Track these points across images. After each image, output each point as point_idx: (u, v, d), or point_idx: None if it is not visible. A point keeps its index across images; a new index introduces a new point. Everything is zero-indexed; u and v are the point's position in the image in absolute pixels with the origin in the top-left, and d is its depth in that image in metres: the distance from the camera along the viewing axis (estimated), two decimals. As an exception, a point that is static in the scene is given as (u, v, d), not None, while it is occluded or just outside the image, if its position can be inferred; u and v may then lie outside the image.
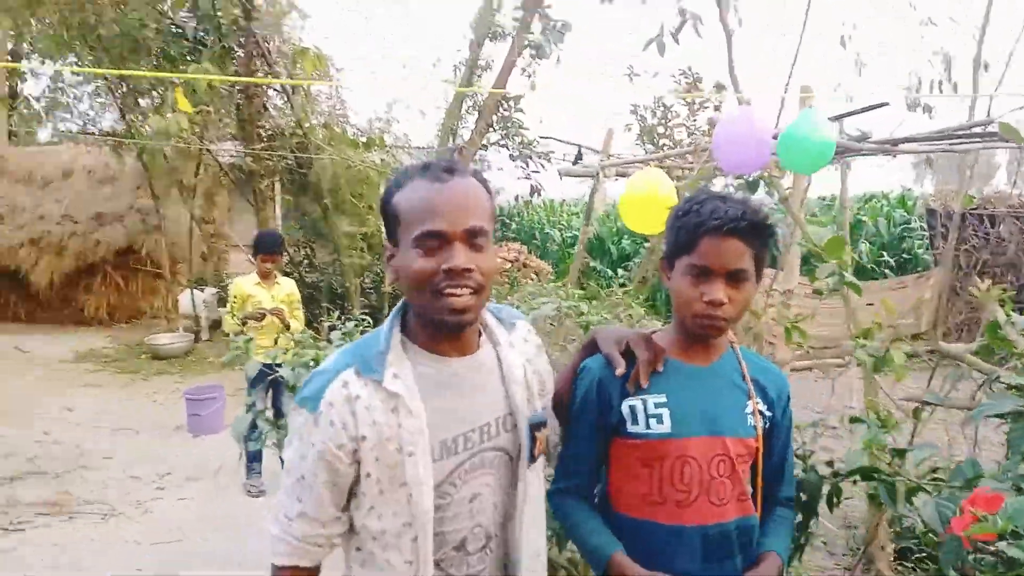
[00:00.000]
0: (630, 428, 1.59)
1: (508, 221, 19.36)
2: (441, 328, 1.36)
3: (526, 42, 8.05)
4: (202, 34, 8.64)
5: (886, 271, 12.84)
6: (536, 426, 1.49)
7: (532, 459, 1.48)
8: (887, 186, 17.40)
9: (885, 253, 13.13)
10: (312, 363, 2.43)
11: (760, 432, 1.59)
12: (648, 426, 1.57)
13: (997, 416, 1.60)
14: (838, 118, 4.69)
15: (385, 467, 1.33)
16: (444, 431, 1.37)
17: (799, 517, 1.92)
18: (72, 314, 11.80)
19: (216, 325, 10.52)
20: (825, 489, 1.93)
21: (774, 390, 1.64)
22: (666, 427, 1.56)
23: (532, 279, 11.77)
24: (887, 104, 4.27)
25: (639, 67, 11.40)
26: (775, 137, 3.35)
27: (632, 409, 1.59)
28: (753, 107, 2.74)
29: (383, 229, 1.42)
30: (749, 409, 1.60)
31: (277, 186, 11.38)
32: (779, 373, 1.69)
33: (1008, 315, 1.96)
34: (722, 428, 1.56)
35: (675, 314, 1.64)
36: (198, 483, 5.43)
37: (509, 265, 14.04)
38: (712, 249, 1.52)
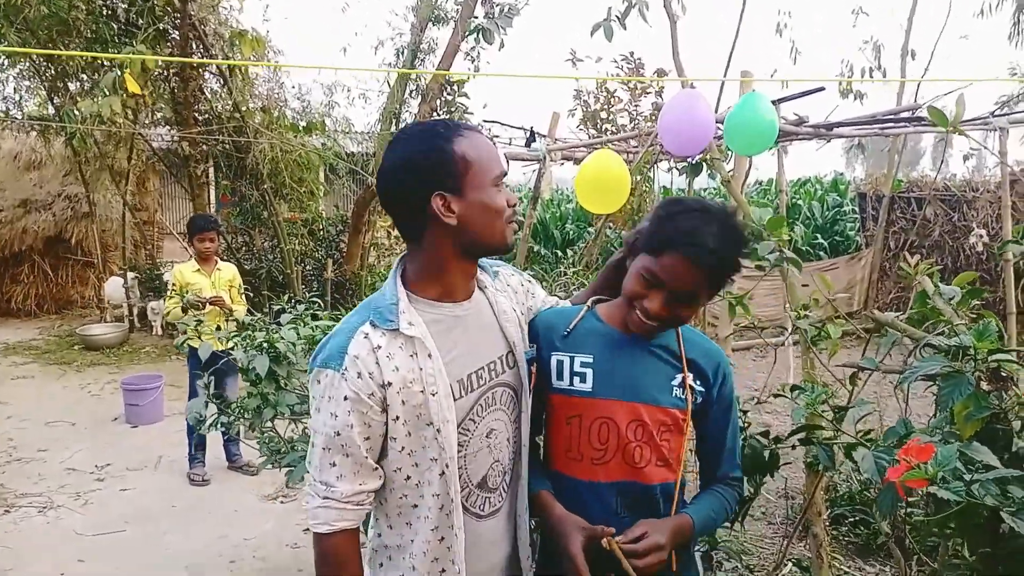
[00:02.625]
0: (555, 382, 1.66)
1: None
2: (500, 250, 1.52)
3: (474, 26, 8.01)
4: (135, 16, 8.36)
5: (820, 252, 13.28)
6: (529, 362, 1.64)
7: (530, 393, 1.64)
8: (820, 171, 17.95)
9: (819, 235, 13.57)
10: (265, 345, 2.41)
11: (690, 405, 1.62)
12: (571, 383, 1.63)
13: (927, 379, 1.70)
14: (778, 102, 4.83)
15: (411, 408, 1.42)
16: (459, 370, 1.48)
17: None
18: (-2, 305, 11.35)
19: (143, 314, 10.24)
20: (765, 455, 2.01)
21: (710, 367, 1.65)
22: (588, 386, 1.61)
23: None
24: (823, 89, 4.42)
25: (582, 52, 11.48)
26: (718, 121, 3.45)
27: (559, 364, 1.65)
28: (697, 91, 2.81)
29: (395, 193, 1.47)
30: (677, 382, 1.63)
31: (211, 172, 11.12)
32: (717, 351, 1.70)
33: (936, 286, 2.07)
34: (641, 396, 1.59)
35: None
36: (139, 473, 5.32)
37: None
38: (672, 268, 1.52)
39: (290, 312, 3.25)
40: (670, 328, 1.63)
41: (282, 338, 2.41)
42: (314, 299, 3.36)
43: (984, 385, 1.60)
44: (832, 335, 2.65)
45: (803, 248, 13.25)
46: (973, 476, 1.23)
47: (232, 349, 2.94)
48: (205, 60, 8.98)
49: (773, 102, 4.88)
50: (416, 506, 1.50)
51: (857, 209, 12.38)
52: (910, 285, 2.45)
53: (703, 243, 1.49)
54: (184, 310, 4.92)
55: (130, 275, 10.20)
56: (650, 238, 1.57)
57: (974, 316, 2.03)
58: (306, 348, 2.57)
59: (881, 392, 4.06)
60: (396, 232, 13.76)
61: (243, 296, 5.32)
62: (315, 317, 3.28)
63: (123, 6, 8.42)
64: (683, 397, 1.62)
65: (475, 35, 8.03)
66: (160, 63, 8.48)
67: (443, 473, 1.46)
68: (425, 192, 1.41)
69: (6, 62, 9.72)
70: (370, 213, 10.29)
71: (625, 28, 4.05)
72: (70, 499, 4.85)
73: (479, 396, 1.53)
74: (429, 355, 1.43)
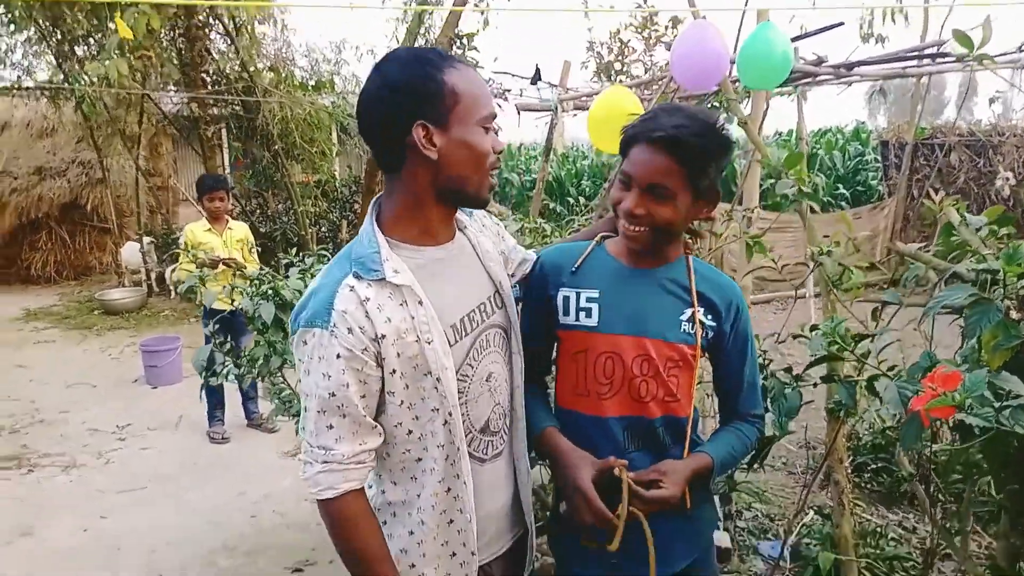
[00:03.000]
0: (561, 319, 1.63)
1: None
2: (479, 202, 1.43)
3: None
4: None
5: (842, 203, 13.04)
6: (516, 300, 1.60)
7: (518, 331, 1.59)
8: (842, 120, 17.56)
9: (840, 185, 13.32)
10: (271, 293, 2.37)
11: (699, 340, 1.57)
12: (577, 318, 1.61)
13: (953, 311, 1.62)
14: (796, 39, 4.67)
15: (407, 359, 1.35)
16: (451, 315, 1.42)
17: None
18: (18, 272, 11.43)
19: (160, 278, 10.26)
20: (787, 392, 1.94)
21: (722, 301, 1.61)
22: (593, 321, 1.59)
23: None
24: (843, 24, 4.25)
25: (595, 3, 11.23)
26: (732, 61, 3.32)
27: (565, 300, 1.63)
28: (709, 22, 2.69)
29: (379, 134, 1.37)
30: (686, 317, 1.58)
31: (224, 134, 11.05)
32: (730, 284, 1.65)
33: (962, 216, 1.97)
34: (647, 330, 1.56)
35: None
36: (159, 433, 5.36)
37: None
38: (637, 158, 1.51)
39: (299, 265, 3.21)
40: (662, 236, 1.56)
41: (288, 286, 2.37)
42: (323, 252, 3.31)
43: (1014, 313, 1.52)
44: (854, 277, 2.57)
45: (824, 199, 13.01)
46: (1003, 403, 1.16)
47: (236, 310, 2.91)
48: (213, 1, 8.86)
49: (796, 38, 4.72)
50: (420, 459, 1.44)
51: (879, 158, 12.10)
52: (934, 231, 2.35)
53: (660, 125, 1.47)
54: (199, 268, 4.91)
55: (146, 240, 10.22)
56: (621, 143, 1.57)
57: (1002, 247, 1.94)
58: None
59: (906, 336, 3.97)
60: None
61: (255, 255, 5.29)
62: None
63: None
64: (692, 332, 1.57)
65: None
66: (166, 24, 8.36)
67: (446, 422, 1.40)
68: (408, 119, 1.32)
69: (14, 27, 9.65)
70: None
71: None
72: (92, 458, 4.90)
73: (474, 339, 1.47)
74: (420, 302, 1.36)
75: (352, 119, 10.57)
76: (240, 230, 5.24)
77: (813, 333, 2.31)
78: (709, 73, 2.59)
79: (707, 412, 3.23)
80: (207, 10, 8.96)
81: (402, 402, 1.39)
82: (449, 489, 1.44)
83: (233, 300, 3.32)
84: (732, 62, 3.27)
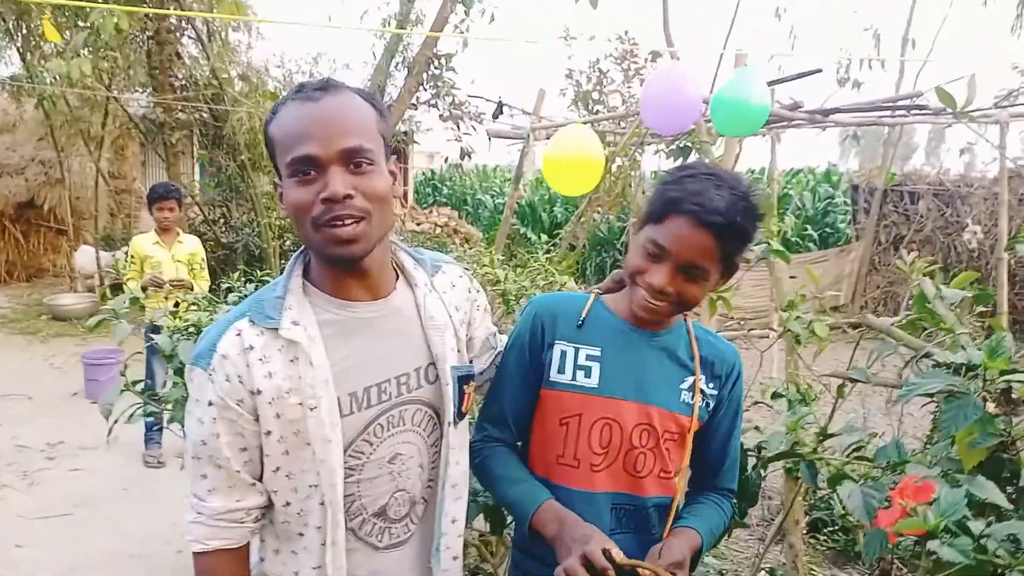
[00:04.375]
0: (554, 376, 1.46)
1: (439, 185, 19.03)
2: (334, 263, 1.22)
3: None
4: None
5: (810, 244, 13.10)
6: (464, 379, 1.36)
7: (460, 416, 1.35)
8: (814, 162, 17.76)
9: (809, 227, 13.39)
10: (192, 329, 2.17)
11: (696, 412, 1.44)
12: (573, 377, 1.44)
13: (925, 395, 1.49)
14: (773, 84, 4.60)
15: (287, 423, 1.20)
16: (353, 382, 1.24)
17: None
18: (-33, 271, 11.03)
19: (117, 287, 9.93)
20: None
21: (723, 366, 1.49)
22: (593, 382, 1.43)
23: (462, 246, 11.55)
24: (820, 71, 4.20)
25: (575, 30, 11.21)
26: (706, 101, 3.21)
27: (562, 355, 1.46)
28: (681, 64, 2.57)
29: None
30: (686, 385, 1.45)
31: (194, 140, 10.80)
32: (730, 348, 1.53)
33: (938, 288, 1.86)
34: (651, 397, 1.42)
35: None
36: (92, 453, 5.08)
37: (439, 230, 13.78)
38: (677, 232, 1.32)
39: (238, 291, 3.02)
40: (678, 311, 1.42)
41: (212, 320, 2.17)
42: (265, 279, 3.12)
43: (991, 408, 1.39)
44: (819, 333, 2.46)
45: (793, 239, 13.05)
46: (983, 530, 1.02)
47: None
48: (185, 12, 8.64)
49: (773, 83, 4.65)
50: (301, 535, 1.27)
51: (849, 201, 12.19)
52: (900, 280, 2.25)
53: (712, 203, 1.29)
54: (143, 289, 4.68)
55: (117, 253, 9.90)
56: (652, 206, 1.37)
57: (979, 323, 1.84)
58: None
59: (867, 389, 3.87)
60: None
61: (205, 271, 5.07)
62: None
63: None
64: (690, 403, 1.44)
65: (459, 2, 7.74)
66: (135, 24, 8.13)
67: (323, 503, 1.23)
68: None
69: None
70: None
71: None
72: (17, 478, 4.62)
73: (380, 413, 1.27)
74: (311, 362, 1.19)
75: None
76: (190, 243, 5.02)
77: (775, 401, 2.18)
78: (680, 117, 2.46)
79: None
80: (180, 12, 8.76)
81: (278, 469, 1.24)
82: None
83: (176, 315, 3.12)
84: (706, 102, 3.17)
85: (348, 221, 1.14)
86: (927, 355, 1.66)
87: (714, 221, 1.29)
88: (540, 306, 1.52)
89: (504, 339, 1.59)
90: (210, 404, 1.19)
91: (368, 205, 1.16)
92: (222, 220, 10.57)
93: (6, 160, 10.90)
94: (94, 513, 4.20)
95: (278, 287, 1.24)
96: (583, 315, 1.48)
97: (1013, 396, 1.38)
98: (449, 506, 1.36)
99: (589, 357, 1.44)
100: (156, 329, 4.15)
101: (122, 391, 2.16)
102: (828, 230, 13.54)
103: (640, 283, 1.38)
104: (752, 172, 16.38)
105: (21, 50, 9.20)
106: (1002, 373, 1.30)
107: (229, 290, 3.02)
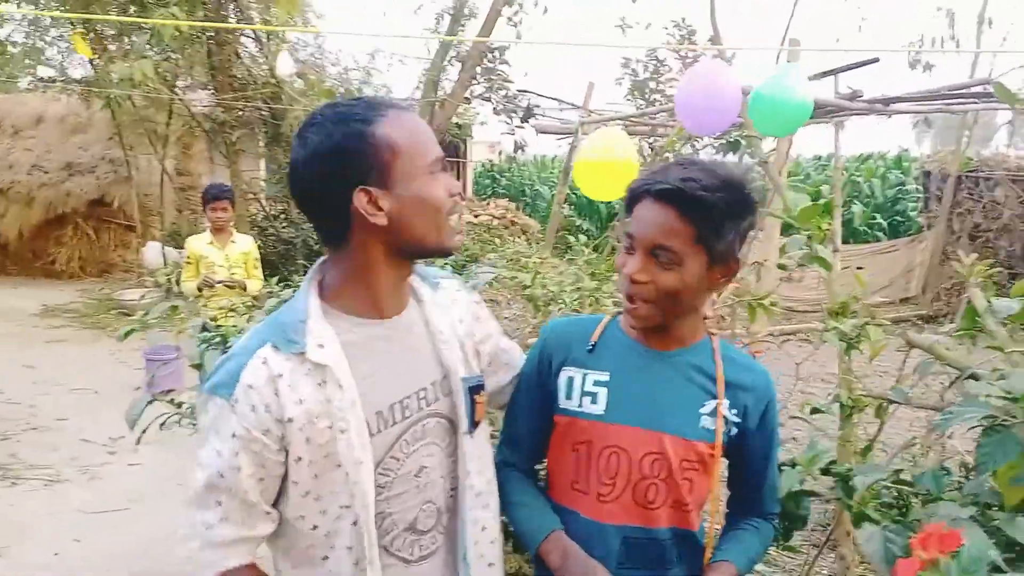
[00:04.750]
0: (562, 403, 1.42)
1: (498, 177, 19.01)
2: (442, 255, 1.34)
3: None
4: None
5: (878, 233, 12.63)
6: (475, 389, 1.37)
7: (473, 425, 1.36)
8: (885, 146, 17.09)
9: (878, 215, 12.91)
10: (220, 340, 2.18)
11: (720, 439, 1.36)
12: (580, 404, 1.39)
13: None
14: (826, 75, 4.41)
15: (317, 447, 1.20)
16: (378, 401, 1.26)
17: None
18: (42, 267, 11.53)
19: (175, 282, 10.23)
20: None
21: (753, 394, 1.39)
22: (599, 408, 1.38)
23: (519, 238, 11.50)
24: (877, 60, 3.98)
25: (632, 19, 11.03)
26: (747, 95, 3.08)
27: (569, 381, 1.42)
28: (719, 62, 2.47)
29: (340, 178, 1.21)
30: (707, 410, 1.36)
31: (257, 138, 11.03)
32: (764, 374, 1.42)
33: (989, 300, 1.72)
34: (665, 424, 1.34)
35: None
36: (150, 447, 5.21)
37: (496, 222, 13.78)
38: (639, 216, 1.31)
39: (278, 295, 3.04)
40: (666, 307, 1.33)
41: (240, 333, 2.18)
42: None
43: (1038, 440, 1.27)
44: (873, 338, 2.34)
45: (860, 228, 12.60)
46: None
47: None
48: (241, 25, 8.82)
49: (824, 74, 4.46)
50: (326, 558, 1.26)
51: (921, 188, 11.67)
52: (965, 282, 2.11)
53: (668, 178, 1.26)
54: (200, 289, 4.82)
55: (166, 243, 10.21)
56: (625, 203, 1.36)
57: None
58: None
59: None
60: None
61: (259, 270, 5.16)
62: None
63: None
64: (712, 428, 1.35)
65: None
66: (194, 26, 8.32)
67: (356, 522, 1.22)
68: (345, 187, 1.19)
69: (51, 24, 9.73)
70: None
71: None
72: (78, 473, 4.78)
73: (404, 429, 1.29)
74: (340, 384, 1.19)
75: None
76: (243, 243, 5.12)
77: (814, 416, 2.08)
78: (715, 121, 2.35)
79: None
80: (238, 13, 8.94)
81: (307, 493, 1.23)
82: None
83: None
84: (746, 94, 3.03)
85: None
86: (973, 376, 1.54)
87: (668, 192, 1.25)
88: (551, 333, 1.50)
89: (524, 356, 1.57)
90: (233, 436, 1.18)
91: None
92: (283, 215, 10.79)
93: (77, 160, 11.34)
94: (148, 507, 4.32)
95: (297, 310, 1.25)
96: (594, 339, 1.43)
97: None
98: (477, 514, 1.37)
99: (596, 383, 1.39)
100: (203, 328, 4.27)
101: (150, 402, 2.18)
102: (899, 218, 13.03)
103: (620, 281, 1.35)
104: (820, 159, 15.88)
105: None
106: (1047, 407, 1.18)
107: (270, 294, 3.03)
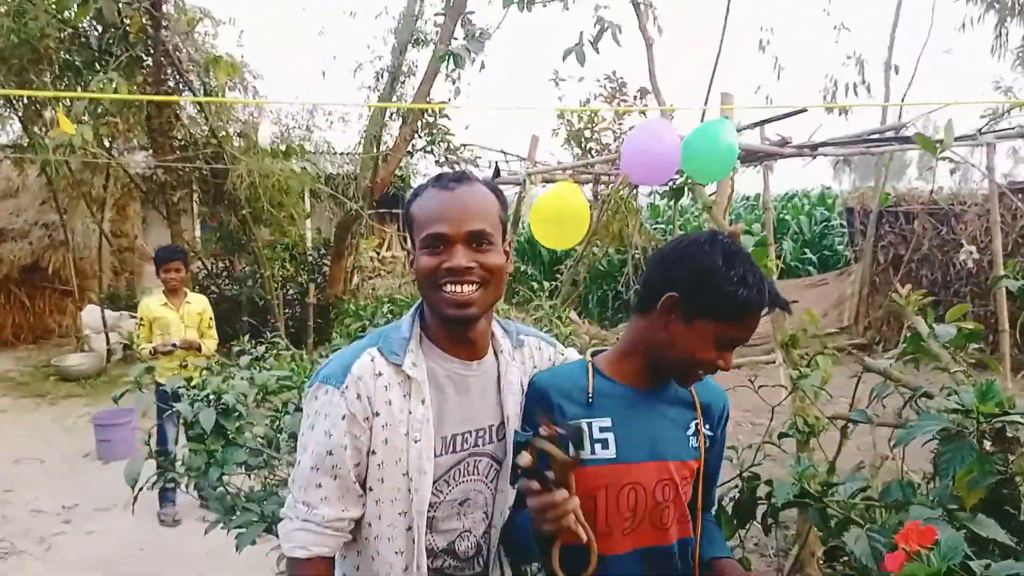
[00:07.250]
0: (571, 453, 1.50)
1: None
2: (448, 322, 1.41)
3: (446, 52, 7.87)
4: (108, 43, 8.19)
5: (809, 268, 13.16)
6: (519, 445, 1.44)
7: (515, 476, 1.45)
8: (807, 184, 17.88)
9: (807, 250, 13.46)
10: (212, 396, 2.23)
11: (702, 452, 1.56)
12: (593, 452, 1.50)
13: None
14: (758, 125, 4.72)
15: (391, 450, 1.37)
16: (445, 428, 1.43)
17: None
18: (-25, 335, 11.07)
19: (129, 346, 9.99)
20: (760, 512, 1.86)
21: (716, 409, 1.62)
22: (611, 452, 1.50)
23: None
24: (805, 110, 4.30)
25: (565, 72, 11.39)
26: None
27: None
28: (661, 120, 2.69)
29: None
30: (691, 430, 1.56)
31: (194, 197, 10.94)
32: (719, 389, 1.66)
33: (931, 326, 1.92)
34: (665, 452, 1.52)
35: (650, 353, 1.52)
36: (108, 514, 5.09)
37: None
38: (753, 324, 1.47)
39: (250, 352, 3.09)
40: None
41: (232, 388, 2.24)
42: (275, 339, 3.19)
43: (988, 446, 1.45)
44: (823, 367, 2.53)
45: (792, 264, 13.14)
46: (983, 572, 1.07)
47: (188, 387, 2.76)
48: (179, 97, 8.85)
49: (751, 126, 4.78)
50: (370, 560, 1.43)
51: (845, 223, 12.27)
52: (902, 311, 2.32)
53: (770, 295, 1.45)
54: (152, 353, 4.76)
55: (104, 306, 9.98)
56: (717, 306, 1.42)
57: (972, 362, 1.90)
58: (260, 399, 2.39)
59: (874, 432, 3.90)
60: (380, 255, 13.62)
61: (213, 329, 5.14)
62: (277, 356, 3.13)
63: (95, 33, 8.25)
64: (697, 446, 1.56)
65: (447, 60, 7.88)
66: (135, 89, 8.31)
67: (410, 528, 1.39)
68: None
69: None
70: (352, 236, 10.13)
71: (598, 52, 3.92)
72: (33, 544, 4.63)
73: (459, 460, 1.46)
74: (423, 401, 1.39)
75: (321, 183, 10.52)
76: (198, 303, 5.11)
77: (780, 440, 2.24)
78: (658, 174, 2.57)
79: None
80: (177, 76, 8.94)
81: (370, 490, 1.40)
82: None
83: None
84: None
85: (465, 287, 1.35)
86: (925, 394, 1.72)
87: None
88: (548, 385, 1.55)
89: None
90: (343, 418, 1.34)
91: (486, 275, 1.36)
92: (225, 273, 10.68)
93: (10, 225, 11.01)
94: (111, 575, 4.21)
95: (403, 330, 1.44)
96: (590, 392, 1.52)
97: (1007, 435, 1.44)
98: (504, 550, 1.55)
99: (602, 429, 1.50)
100: (165, 392, 4.22)
101: (147, 458, 2.21)
102: (827, 253, 13.62)
103: (706, 368, 1.51)
104: (748, 199, 16.53)
105: (22, 119, 9.36)
106: (994, 416, 1.35)
107: (241, 352, 3.08)
